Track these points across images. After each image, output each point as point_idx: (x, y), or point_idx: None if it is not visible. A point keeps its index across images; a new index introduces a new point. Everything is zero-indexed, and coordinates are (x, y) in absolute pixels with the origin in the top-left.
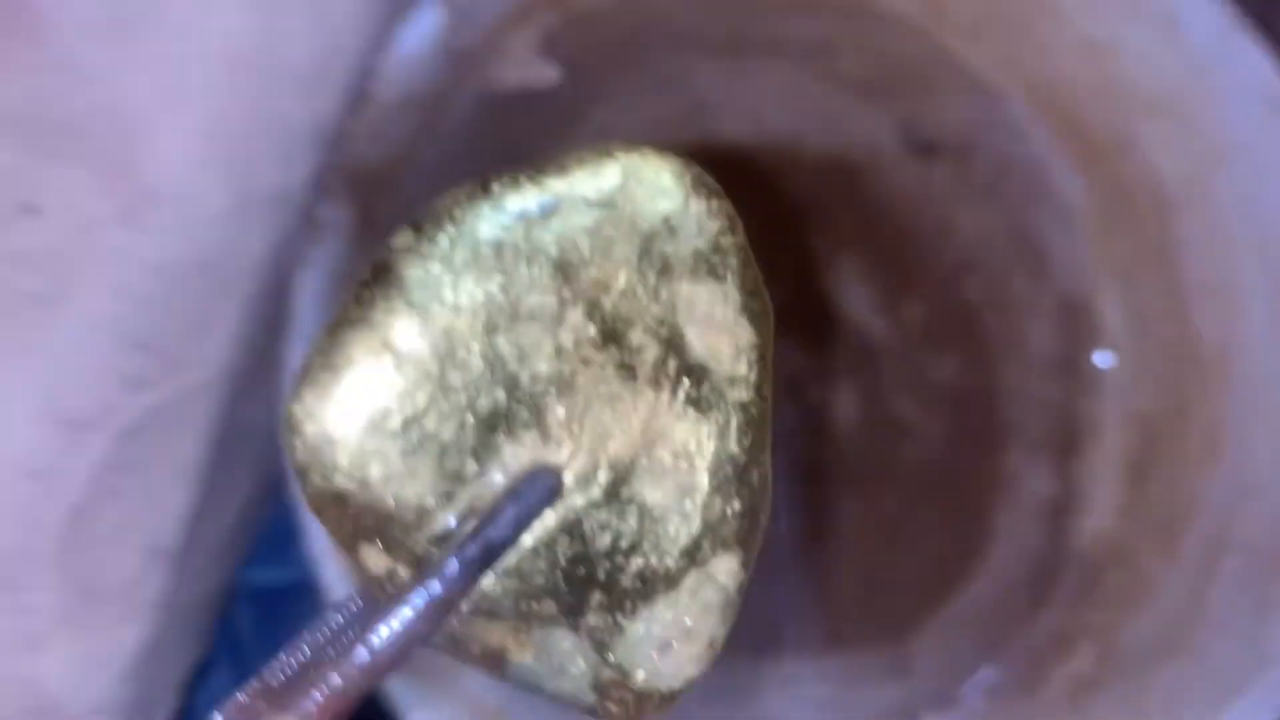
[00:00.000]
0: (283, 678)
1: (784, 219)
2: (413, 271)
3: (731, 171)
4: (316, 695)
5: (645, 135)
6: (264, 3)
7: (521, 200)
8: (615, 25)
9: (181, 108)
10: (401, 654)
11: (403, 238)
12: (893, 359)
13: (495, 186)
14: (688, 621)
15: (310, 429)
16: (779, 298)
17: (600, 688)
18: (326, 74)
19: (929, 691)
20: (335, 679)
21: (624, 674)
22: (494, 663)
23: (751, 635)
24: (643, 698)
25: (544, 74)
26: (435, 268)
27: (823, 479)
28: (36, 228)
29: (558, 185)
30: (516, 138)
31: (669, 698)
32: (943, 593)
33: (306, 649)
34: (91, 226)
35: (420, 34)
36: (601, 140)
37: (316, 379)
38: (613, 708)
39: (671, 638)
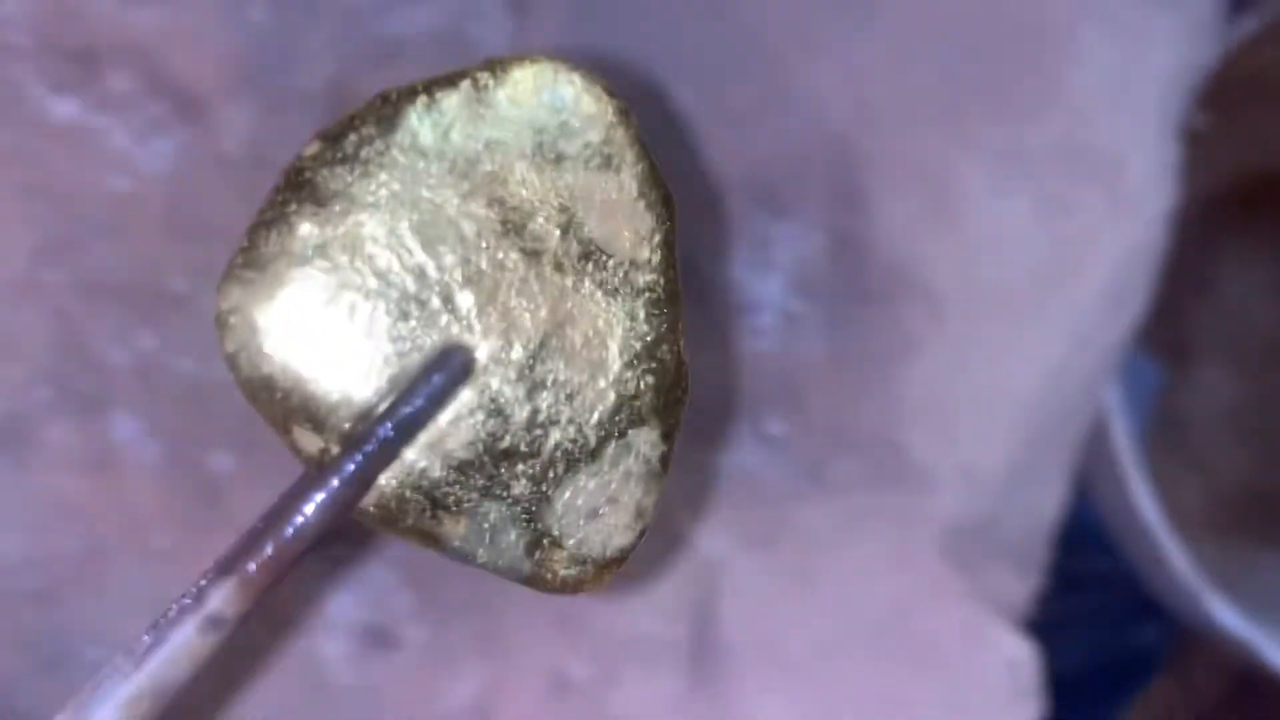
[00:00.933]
0: (235, 550)
1: None
2: (320, 174)
3: None
4: (252, 563)
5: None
6: None
7: (418, 108)
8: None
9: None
10: (330, 522)
11: (312, 147)
12: None
13: (394, 95)
14: (612, 488)
15: (235, 320)
16: None
17: (534, 557)
18: None
19: None
20: (269, 548)
21: (555, 542)
22: (427, 536)
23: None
24: (578, 565)
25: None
26: (340, 170)
27: None
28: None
29: (452, 94)
30: None
31: (604, 566)
32: None
33: (260, 523)
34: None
35: None
36: None
37: (237, 276)
38: (549, 576)
39: (597, 505)
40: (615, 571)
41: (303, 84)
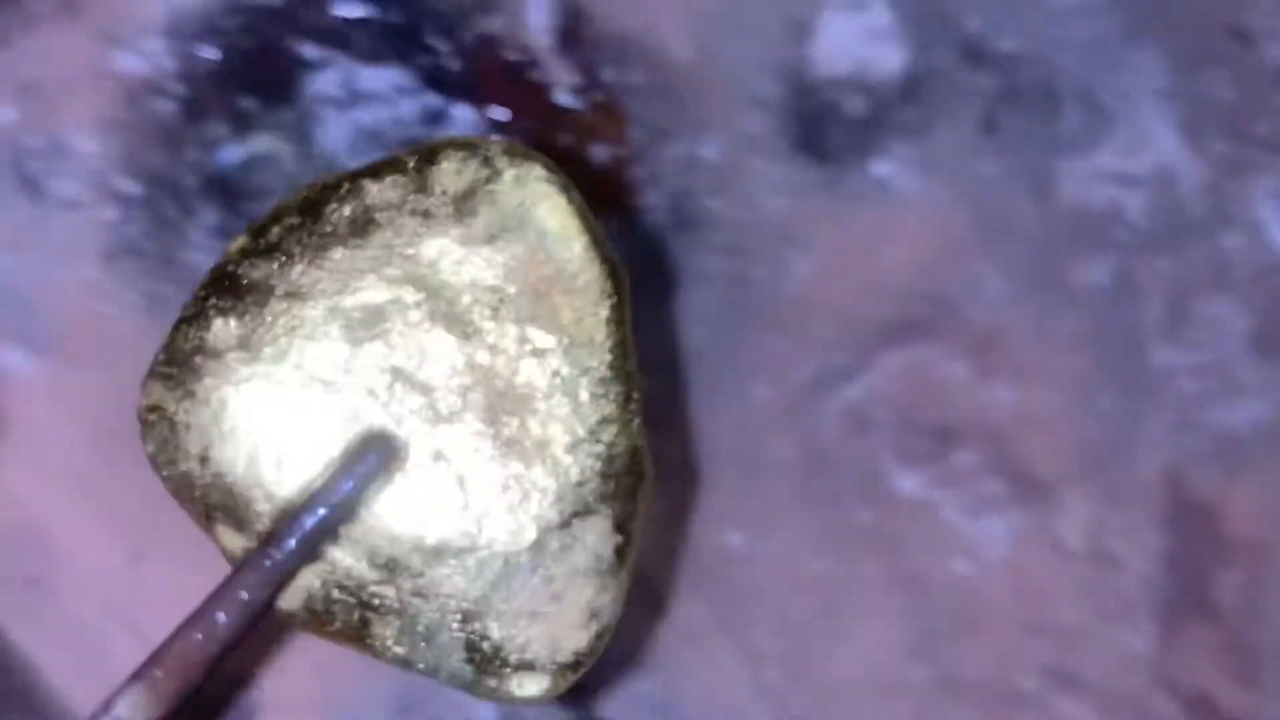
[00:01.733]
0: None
1: None
2: (242, 267)
3: None
4: (158, 669)
5: None
6: None
7: (341, 194)
8: None
9: None
10: (245, 623)
11: (238, 241)
12: None
13: (318, 185)
14: (555, 585)
15: (153, 418)
16: None
17: (475, 662)
18: None
19: None
20: (176, 651)
21: (496, 646)
22: (359, 640)
23: None
24: (523, 670)
25: None
26: (261, 262)
27: None
28: None
29: (376, 181)
30: None
31: (555, 673)
32: None
33: (175, 629)
34: None
35: None
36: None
37: (157, 373)
38: (493, 684)
39: (537, 606)
40: (571, 679)
41: (1140, 473)
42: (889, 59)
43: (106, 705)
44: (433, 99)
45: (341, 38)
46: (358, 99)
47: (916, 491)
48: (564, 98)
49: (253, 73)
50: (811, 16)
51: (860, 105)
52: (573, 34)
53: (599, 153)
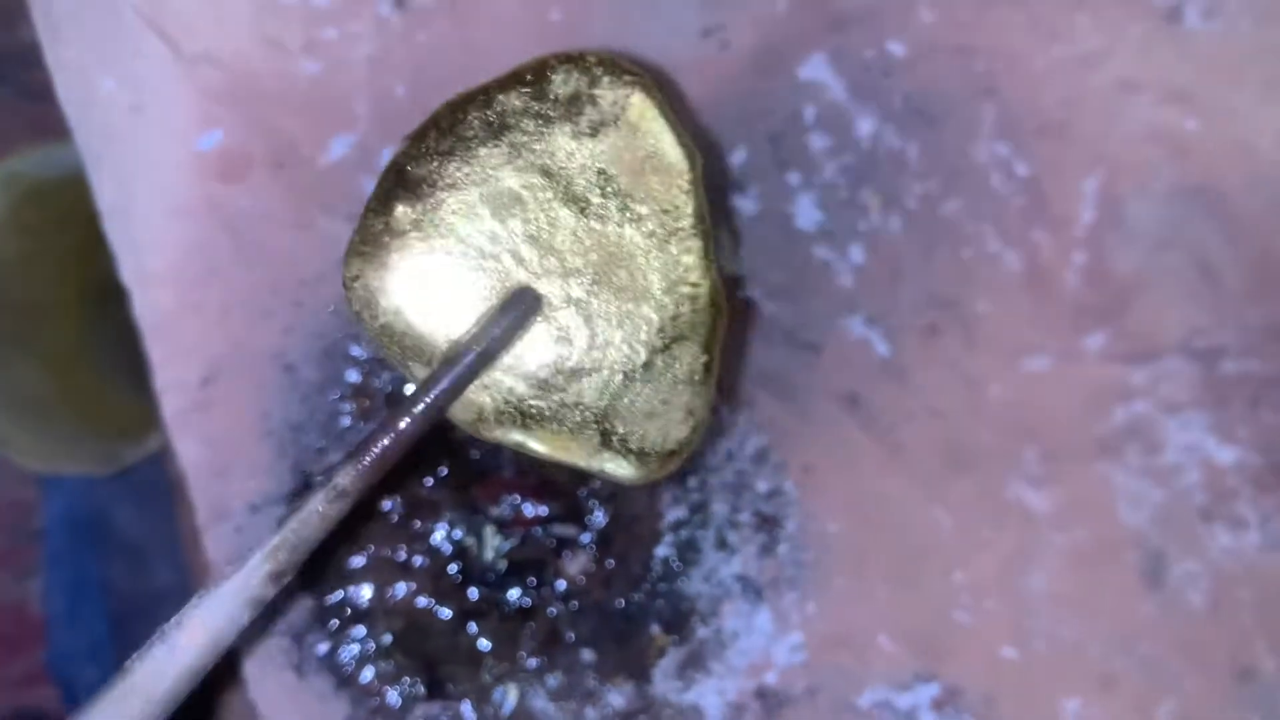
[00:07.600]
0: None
1: None
2: (411, 167)
3: None
4: (367, 456)
5: None
6: None
7: (478, 106)
8: None
9: None
10: (427, 424)
11: (402, 145)
12: None
13: (458, 99)
14: (663, 395)
15: (357, 285)
16: None
17: (604, 454)
18: None
19: None
20: (381, 443)
21: (622, 440)
22: (522, 444)
23: None
24: (643, 457)
25: None
26: (423, 161)
27: None
28: None
29: (500, 95)
30: None
31: (665, 457)
32: None
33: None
34: None
35: None
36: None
37: (356, 250)
38: (617, 470)
39: (653, 409)
40: (677, 461)
41: None
42: None
43: (328, 475)
44: None
45: None
46: None
47: None
48: None
49: None
50: None
51: None
52: None
53: None
